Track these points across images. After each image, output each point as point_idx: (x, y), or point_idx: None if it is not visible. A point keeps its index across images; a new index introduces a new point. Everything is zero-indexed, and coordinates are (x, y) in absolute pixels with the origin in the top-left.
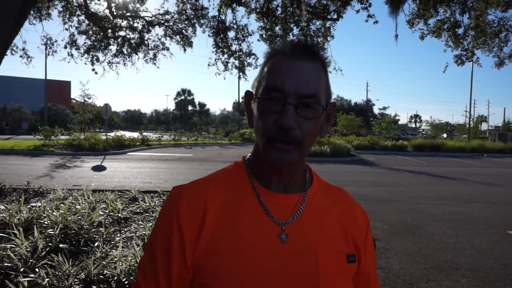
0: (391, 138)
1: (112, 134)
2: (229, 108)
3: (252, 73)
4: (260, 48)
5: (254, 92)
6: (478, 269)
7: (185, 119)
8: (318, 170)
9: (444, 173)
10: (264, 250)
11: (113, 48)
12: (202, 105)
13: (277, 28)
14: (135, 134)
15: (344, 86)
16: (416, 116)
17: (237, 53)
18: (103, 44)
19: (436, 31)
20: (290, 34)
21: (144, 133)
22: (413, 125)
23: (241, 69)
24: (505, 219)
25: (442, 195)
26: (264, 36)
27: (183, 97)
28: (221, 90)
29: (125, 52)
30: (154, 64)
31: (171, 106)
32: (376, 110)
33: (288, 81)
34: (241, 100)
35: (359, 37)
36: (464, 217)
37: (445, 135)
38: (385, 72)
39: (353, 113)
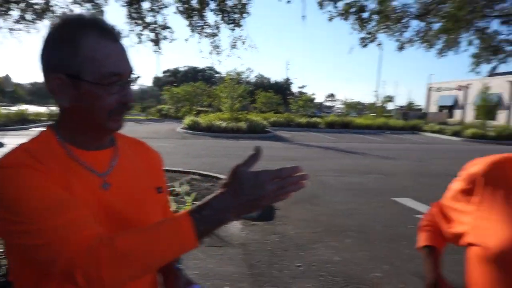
0: (306, 116)
1: (15, 108)
2: (148, 83)
3: (168, 47)
4: (176, 21)
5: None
6: (362, 231)
7: None
8: (234, 146)
9: (350, 148)
10: (91, 201)
11: (15, 13)
12: None
13: (193, 1)
14: (43, 109)
15: (265, 64)
16: (332, 95)
17: (152, 25)
18: (3, 9)
19: (344, 13)
20: (207, 8)
21: (53, 108)
22: (329, 104)
23: (156, 42)
24: (392, 188)
25: (345, 168)
26: (180, 9)
27: None
28: (139, 64)
29: (29, 18)
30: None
31: None
32: (295, 89)
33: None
34: (161, 74)
35: (281, 17)
36: (359, 187)
37: (355, 113)
38: (305, 52)
39: (272, 91)
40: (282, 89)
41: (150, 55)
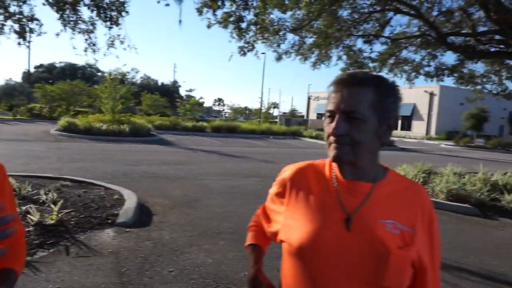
0: (193, 119)
1: None
2: (18, 78)
3: (43, 40)
4: (45, 14)
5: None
6: (236, 232)
7: None
8: (114, 149)
9: (234, 152)
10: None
11: None
12: None
13: None
14: None
15: (152, 65)
16: (220, 99)
17: (17, 15)
18: None
19: (223, 22)
20: (81, 2)
21: None
22: (217, 108)
23: (21, 34)
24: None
25: (226, 171)
26: (50, 0)
27: None
28: (6, 57)
29: None
30: None
31: None
32: (183, 92)
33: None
34: (33, 70)
35: (170, 19)
36: (239, 190)
37: (243, 118)
38: (194, 55)
39: (159, 93)
40: (169, 91)
41: (20, 47)
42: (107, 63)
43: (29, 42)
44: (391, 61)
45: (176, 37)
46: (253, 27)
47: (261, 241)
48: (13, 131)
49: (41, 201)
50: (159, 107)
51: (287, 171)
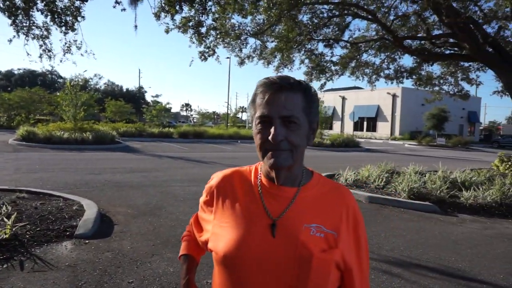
0: (160, 125)
1: None
2: None
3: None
4: None
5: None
6: None
7: None
8: (76, 158)
9: (200, 157)
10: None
11: None
12: None
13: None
14: None
15: (117, 71)
16: (188, 104)
17: None
18: None
19: (182, 27)
20: (34, 8)
21: None
22: (185, 113)
23: None
24: None
25: (193, 177)
26: (1, 5)
27: None
28: None
29: None
30: None
31: None
32: (149, 98)
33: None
34: None
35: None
36: None
37: (211, 123)
38: (160, 60)
39: (123, 99)
40: (135, 97)
41: None
42: (69, 69)
43: None
44: (353, 64)
45: (140, 42)
46: (213, 32)
47: (193, 251)
48: None
49: None
50: (124, 113)
51: (214, 179)
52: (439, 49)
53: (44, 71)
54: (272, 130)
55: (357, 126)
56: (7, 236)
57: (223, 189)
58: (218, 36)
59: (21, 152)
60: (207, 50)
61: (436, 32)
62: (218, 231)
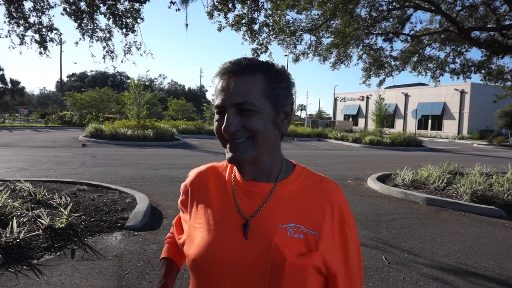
0: None
1: None
2: (52, 87)
3: (69, 50)
4: (65, 23)
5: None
6: None
7: None
8: (137, 154)
9: None
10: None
11: None
12: (15, 83)
13: (82, 3)
14: None
15: (180, 71)
16: None
17: (37, 26)
18: None
19: (235, 25)
20: (98, 11)
21: None
22: None
23: (42, 44)
24: None
25: None
26: (68, 10)
27: None
28: (41, 67)
29: None
30: None
31: None
32: (210, 96)
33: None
34: (66, 79)
35: (194, 24)
36: None
37: None
38: (218, 59)
39: (185, 98)
40: (196, 96)
41: (54, 57)
42: (137, 70)
43: (61, 51)
44: (414, 59)
45: (202, 42)
46: (265, 29)
47: (174, 255)
48: (43, 138)
49: (54, 205)
50: (185, 111)
51: (189, 177)
52: (510, 41)
53: (108, 71)
54: (225, 120)
55: (421, 124)
56: (63, 225)
57: (197, 187)
58: (271, 33)
59: (88, 147)
60: (259, 47)
61: (507, 22)
62: (192, 233)
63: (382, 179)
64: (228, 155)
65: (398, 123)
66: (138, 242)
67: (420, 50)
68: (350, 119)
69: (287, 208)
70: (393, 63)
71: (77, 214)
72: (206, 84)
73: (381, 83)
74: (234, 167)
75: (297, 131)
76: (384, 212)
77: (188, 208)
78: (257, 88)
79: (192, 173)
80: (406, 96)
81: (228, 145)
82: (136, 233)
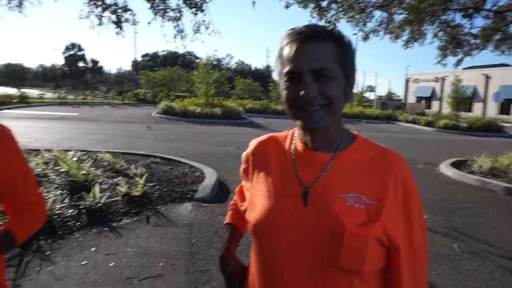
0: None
1: None
2: (127, 67)
3: (147, 30)
4: (138, 4)
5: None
6: None
7: (76, 76)
8: (205, 131)
9: None
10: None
11: None
12: (95, 62)
13: None
14: (13, 91)
15: (246, 51)
16: None
17: (112, 7)
18: None
19: (303, 1)
20: None
21: (25, 90)
22: None
23: (118, 24)
24: None
25: None
26: None
27: (72, 52)
28: (118, 48)
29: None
30: (20, 12)
31: (60, 61)
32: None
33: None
34: (140, 58)
35: (260, 2)
36: None
37: None
38: None
39: (252, 77)
40: (262, 76)
41: (129, 38)
42: (205, 50)
43: (135, 31)
44: (497, 37)
45: (268, 20)
46: (334, 5)
47: (237, 221)
48: (120, 114)
49: (131, 175)
50: (252, 91)
51: (250, 146)
52: None
53: (178, 51)
54: (303, 86)
55: (503, 108)
56: (139, 193)
57: (258, 156)
58: (340, 10)
59: (161, 124)
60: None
61: None
62: (253, 200)
63: (456, 165)
64: (303, 123)
65: (477, 107)
66: (206, 213)
67: (504, 28)
68: (423, 101)
69: (347, 178)
70: (472, 41)
71: (151, 184)
72: (273, 64)
73: (458, 63)
74: (294, 137)
75: (365, 113)
76: (457, 200)
77: (249, 176)
78: (332, 56)
79: (253, 143)
80: (487, 77)
81: (303, 112)
82: (204, 204)
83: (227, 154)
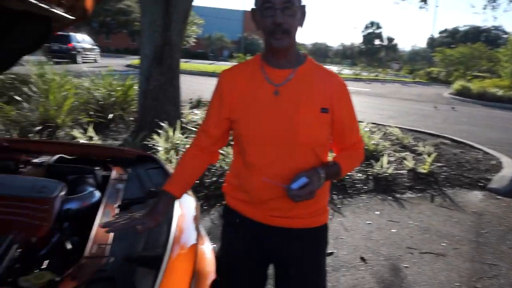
0: None
1: None
2: (422, 44)
3: (449, 4)
4: None
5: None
6: None
7: (371, 54)
8: (506, 117)
9: None
10: (263, 101)
11: None
12: (390, 40)
13: None
14: None
15: None
16: None
17: None
18: None
19: None
20: None
21: (326, 66)
22: None
23: None
24: None
25: None
26: None
27: (371, 30)
28: (414, 24)
29: None
30: None
31: (359, 40)
32: None
33: None
34: (437, 35)
35: None
36: None
37: None
38: None
39: None
40: None
41: (427, 14)
42: None
43: (436, 5)
44: None
45: None
46: None
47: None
48: (409, 92)
49: (418, 152)
50: None
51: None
52: None
53: (486, 25)
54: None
55: None
56: (425, 171)
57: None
58: None
59: (451, 105)
60: None
61: None
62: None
63: None
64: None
65: None
66: (500, 207)
67: None
68: None
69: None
70: None
71: (439, 165)
72: None
73: None
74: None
75: None
76: None
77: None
78: None
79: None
80: None
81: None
82: (498, 197)
83: None
